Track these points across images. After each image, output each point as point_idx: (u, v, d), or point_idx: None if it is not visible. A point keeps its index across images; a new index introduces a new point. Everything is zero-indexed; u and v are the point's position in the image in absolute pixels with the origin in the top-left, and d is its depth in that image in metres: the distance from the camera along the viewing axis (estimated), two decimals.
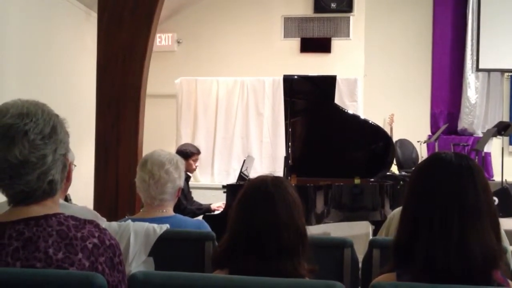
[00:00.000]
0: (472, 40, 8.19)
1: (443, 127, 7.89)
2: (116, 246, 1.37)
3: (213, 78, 7.45)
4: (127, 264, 2.11)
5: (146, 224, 2.22)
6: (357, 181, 4.89)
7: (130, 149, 4.11)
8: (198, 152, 5.12)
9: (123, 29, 4.15)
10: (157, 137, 6.69)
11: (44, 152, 1.31)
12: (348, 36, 7.83)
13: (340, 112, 5.02)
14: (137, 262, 2.13)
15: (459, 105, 8.35)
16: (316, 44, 7.82)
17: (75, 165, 1.80)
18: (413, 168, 1.58)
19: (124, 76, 4.16)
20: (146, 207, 2.40)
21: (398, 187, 5.10)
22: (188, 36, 8.06)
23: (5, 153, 1.28)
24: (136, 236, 2.16)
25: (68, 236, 1.30)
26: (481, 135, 7.87)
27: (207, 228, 2.40)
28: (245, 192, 1.72)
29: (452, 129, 8.32)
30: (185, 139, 6.99)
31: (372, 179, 5.04)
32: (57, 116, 1.38)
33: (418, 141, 7.85)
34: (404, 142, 7.81)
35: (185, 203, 4.76)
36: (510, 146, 8.06)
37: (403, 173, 6.80)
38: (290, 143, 4.84)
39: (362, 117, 5.60)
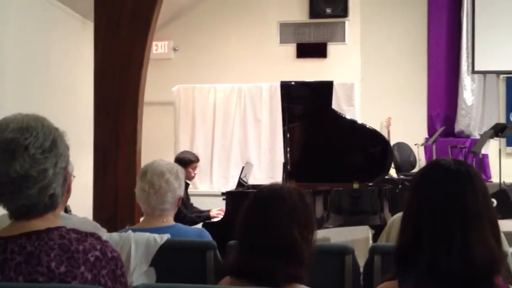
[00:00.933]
0: (467, 42, 8.22)
1: (440, 130, 7.90)
2: (118, 258, 1.37)
3: (211, 85, 7.46)
4: (129, 275, 2.10)
5: (147, 235, 2.22)
6: (355, 185, 4.90)
7: (129, 157, 4.11)
8: (197, 160, 5.12)
9: (120, 37, 4.15)
10: (155, 145, 6.69)
11: (44, 166, 1.31)
12: (344, 40, 7.86)
13: (337, 117, 5.04)
14: (139, 273, 2.13)
15: (456, 107, 8.37)
16: (312, 49, 7.84)
17: (74, 176, 1.80)
18: (413, 176, 1.58)
19: (121, 84, 4.16)
20: (146, 217, 2.39)
21: (397, 190, 5.11)
22: (184, 44, 8.08)
23: (6, 168, 1.28)
24: (137, 246, 2.16)
25: (70, 249, 1.30)
26: (478, 137, 7.88)
27: (208, 237, 2.40)
28: (254, 198, 1.75)
29: (449, 132, 8.34)
30: (183, 147, 6.99)
31: (371, 183, 5.05)
32: (57, 129, 1.38)
33: (415, 144, 7.87)
34: (401, 146, 7.82)
35: (184, 211, 4.76)
36: (507, 148, 8.08)
37: (402, 176, 6.81)
38: (288, 149, 4.86)
39: (360, 121, 5.62)
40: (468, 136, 8.26)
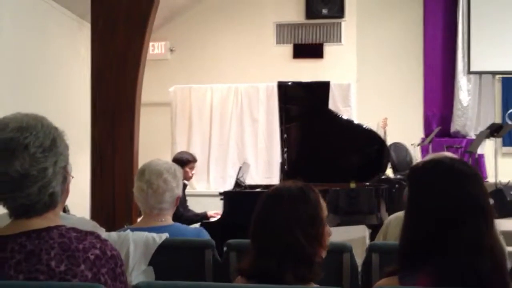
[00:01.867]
0: (463, 43, 8.25)
1: (436, 130, 7.93)
2: (118, 257, 1.37)
3: (207, 86, 7.46)
4: (127, 274, 2.11)
5: (146, 234, 2.22)
6: (352, 185, 4.91)
7: (126, 158, 4.11)
8: (194, 160, 5.12)
9: (117, 38, 4.15)
10: (152, 145, 6.69)
11: (44, 165, 1.31)
12: (340, 41, 7.88)
13: (334, 117, 5.06)
14: (137, 272, 2.14)
15: (452, 107, 8.40)
16: (308, 50, 7.85)
17: (72, 176, 1.81)
18: (416, 169, 1.58)
19: (118, 85, 4.16)
20: (144, 216, 2.40)
21: (394, 190, 5.12)
22: (181, 44, 8.08)
23: (5, 167, 1.29)
24: (135, 245, 2.17)
25: (70, 248, 1.31)
26: (474, 137, 7.92)
27: (206, 236, 2.40)
28: (267, 196, 1.73)
29: (445, 132, 8.36)
30: (180, 147, 6.99)
31: (368, 183, 5.06)
32: (56, 129, 1.39)
33: (412, 144, 7.88)
34: (398, 146, 7.83)
35: (181, 211, 4.76)
36: (503, 148, 8.11)
37: (398, 176, 6.82)
38: (285, 149, 4.86)
39: (356, 121, 5.63)
40: (464, 136, 8.29)
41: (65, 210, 3.15)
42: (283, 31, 7.96)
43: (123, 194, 3.93)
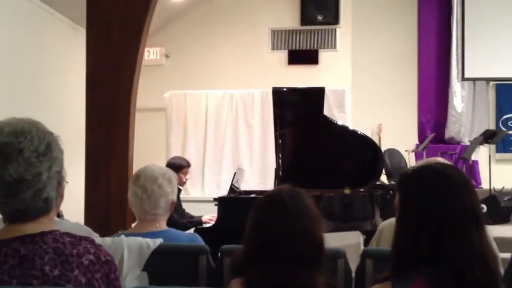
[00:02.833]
0: (457, 49, 8.30)
1: (430, 136, 7.96)
2: (112, 262, 1.37)
3: (202, 92, 7.47)
4: (122, 279, 2.10)
5: (140, 239, 2.22)
6: (347, 191, 4.91)
7: (121, 163, 4.10)
8: (188, 165, 5.12)
9: (112, 43, 4.15)
10: (147, 150, 6.68)
11: (39, 170, 1.31)
12: (335, 47, 7.91)
13: (329, 123, 5.06)
14: (131, 277, 2.13)
15: (446, 114, 8.43)
16: (303, 56, 7.88)
17: (67, 182, 1.81)
18: (406, 175, 1.57)
19: (113, 91, 4.15)
20: (139, 222, 2.40)
21: (388, 196, 5.13)
22: (176, 50, 8.09)
23: (0, 171, 1.29)
24: (129, 251, 2.16)
25: (64, 253, 1.31)
26: (468, 143, 7.95)
27: (200, 241, 2.40)
28: (260, 201, 1.71)
29: (439, 138, 8.40)
30: (175, 153, 6.98)
31: (362, 189, 5.07)
32: (51, 133, 1.39)
33: (406, 150, 7.90)
34: (392, 152, 7.86)
35: (175, 217, 4.75)
36: (497, 154, 8.15)
37: (392, 182, 6.84)
38: (280, 155, 4.87)
39: (351, 127, 5.65)
40: (458, 143, 8.33)
41: (59, 215, 3.14)
42: (278, 37, 7.99)
43: (118, 199, 3.92)
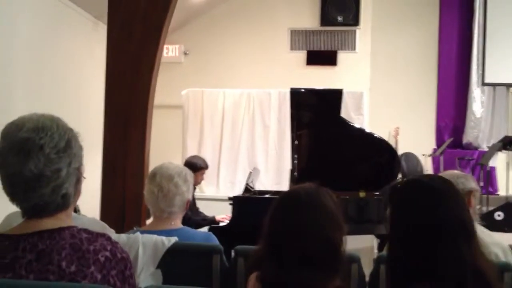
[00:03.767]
0: (477, 54, 8.21)
1: (448, 141, 7.88)
2: (127, 259, 1.38)
3: (220, 90, 7.48)
4: (136, 276, 2.12)
5: (155, 237, 2.23)
6: (362, 194, 4.89)
7: (138, 160, 4.12)
8: (207, 167, 5.14)
9: (133, 41, 4.17)
10: (163, 148, 6.72)
11: (58, 166, 1.33)
12: (354, 49, 7.87)
13: (346, 126, 5.04)
14: (146, 274, 2.15)
15: (464, 119, 8.35)
16: (322, 57, 7.86)
17: (84, 177, 1.82)
18: (396, 189, 1.60)
19: (132, 88, 4.17)
20: (154, 219, 2.41)
21: None
22: (195, 48, 8.12)
23: (20, 167, 1.30)
24: (144, 248, 2.18)
25: (81, 249, 1.32)
26: (486, 149, 7.86)
27: (215, 241, 2.41)
28: (278, 199, 1.68)
29: (457, 143, 8.31)
30: (191, 150, 7.01)
31: (377, 193, 5.04)
32: (71, 130, 1.40)
33: (423, 155, 7.85)
34: (409, 155, 7.80)
35: (189, 214, 4.77)
36: None
37: None
38: (296, 156, 4.86)
39: (368, 130, 5.62)
40: (476, 148, 8.24)
41: (76, 210, 3.16)
42: (297, 38, 7.97)
43: (134, 196, 3.94)
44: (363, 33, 7.88)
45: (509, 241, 2.33)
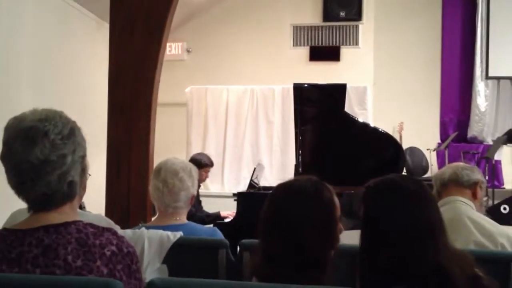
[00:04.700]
0: (481, 48, 8.17)
1: (452, 135, 7.86)
2: (134, 254, 1.38)
3: (223, 87, 7.49)
4: (142, 271, 2.12)
5: (160, 232, 2.24)
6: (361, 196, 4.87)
7: (142, 157, 4.14)
8: (211, 165, 5.15)
9: (135, 38, 4.18)
10: (167, 145, 6.72)
11: (64, 151, 1.33)
12: (357, 44, 7.86)
13: (350, 120, 5.03)
14: (151, 269, 2.15)
15: (469, 113, 8.32)
16: (325, 53, 7.85)
17: (89, 174, 1.83)
18: (368, 188, 1.64)
19: (136, 85, 4.19)
20: (159, 215, 2.42)
21: None
22: (198, 45, 8.12)
23: (26, 154, 1.31)
24: (150, 243, 2.18)
25: (87, 243, 1.32)
26: (491, 143, 7.83)
27: (220, 235, 2.41)
28: (273, 188, 1.69)
29: (462, 137, 8.29)
30: (195, 147, 7.02)
31: None
32: (74, 121, 1.41)
33: (427, 149, 7.83)
34: (414, 150, 7.79)
35: (193, 210, 4.78)
36: None
37: None
38: (300, 151, 4.85)
39: (372, 125, 5.61)
40: (481, 142, 8.21)
41: (81, 207, 3.18)
42: (300, 33, 7.96)
43: (139, 192, 3.96)
44: (366, 28, 7.86)
45: None
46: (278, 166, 7.16)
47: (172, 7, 4.20)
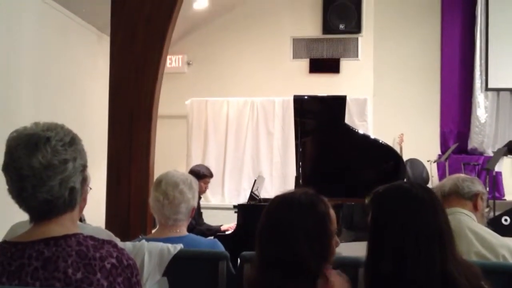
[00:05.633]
0: (480, 59, 8.20)
1: (453, 147, 7.86)
2: (134, 266, 1.38)
3: (223, 99, 7.51)
4: (142, 284, 2.11)
5: (160, 244, 2.23)
6: (368, 200, 4.86)
7: (142, 169, 4.13)
8: (211, 175, 5.15)
9: (136, 51, 4.19)
10: (168, 157, 6.72)
11: (65, 157, 1.34)
12: (357, 56, 7.89)
13: (350, 132, 5.03)
14: (152, 282, 2.14)
15: (469, 124, 8.33)
16: (325, 65, 7.87)
17: (90, 188, 1.82)
18: (376, 194, 1.64)
19: (136, 97, 4.19)
20: (160, 227, 2.41)
21: None
22: (198, 58, 8.15)
23: (28, 160, 1.31)
24: (150, 256, 2.18)
25: (87, 256, 1.32)
26: (491, 154, 7.83)
27: (221, 247, 2.40)
28: (272, 200, 1.68)
29: (462, 149, 8.29)
30: (196, 159, 7.02)
31: None
32: (75, 133, 1.42)
33: (428, 161, 7.83)
34: (414, 162, 7.79)
35: (193, 223, 4.77)
36: None
37: None
38: (300, 163, 4.85)
39: (372, 137, 5.61)
40: (481, 153, 8.21)
41: (81, 219, 3.17)
42: (300, 46, 7.99)
43: (139, 205, 3.95)
44: (365, 40, 7.90)
45: None
46: (278, 178, 7.15)
47: (173, 19, 4.22)
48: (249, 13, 8.03)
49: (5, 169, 1.35)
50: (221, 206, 6.76)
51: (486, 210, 2.66)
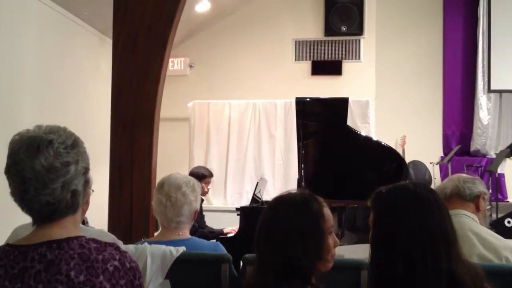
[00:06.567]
0: (483, 61, 8.20)
1: (455, 148, 7.86)
2: (136, 269, 1.38)
3: (225, 101, 7.51)
4: (144, 287, 2.11)
5: (163, 247, 2.23)
6: (370, 203, 4.86)
7: (144, 172, 4.13)
8: (211, 175, 5.14)
9: (138, 53, 4.20)
10: (170, 160, 6.74)
11: (67, 159, 1.34)
12: (359, 58, 7.89)
13: (352, 134, 5.03)
14: (154, 285, 2.14)
15: (471, 126, 8.33)
16: (327, 67, 7.88)
17: (92, 190, 1.83)
18: (379, 195, 1.61)
19: (138, 100, 4.20)
20: (162, 229, 2.41)
21: None
22: (200, 60, 8.16)
23: (31, 162, 1.31)
24: (152, 258, 2.18)
25: (90, 258, 1.32)
26: (494, 156, 7.82)
27: (223, 250, 2.40)
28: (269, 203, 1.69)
29: (465, 150, 8.29)
30: (198, 162, 7.02)
31: None
32: (77, 136, 1.42)
33: (430, 163, 7.82)
34: (416, 164, 7.78)
35: (196, 226, 4.77)
36: None
37: None
38: (302, 165, 4.85)
39: (375, 138, 5.61)
40: (484, 155, 8.20)
41: (84, 222, 3.18)
42: (302, 48, 8.00)
43: (141, 207, 3.95)
44: (367, 42, 7.90)
45: None
46: (280, 180, 7.15)
47: (175, 22, 4.23)
48: (251, 16, 8.04)
49: (8, 171, 1.35)
50: (223, 208, 6.76)
51: (488, 207, 2.66)
